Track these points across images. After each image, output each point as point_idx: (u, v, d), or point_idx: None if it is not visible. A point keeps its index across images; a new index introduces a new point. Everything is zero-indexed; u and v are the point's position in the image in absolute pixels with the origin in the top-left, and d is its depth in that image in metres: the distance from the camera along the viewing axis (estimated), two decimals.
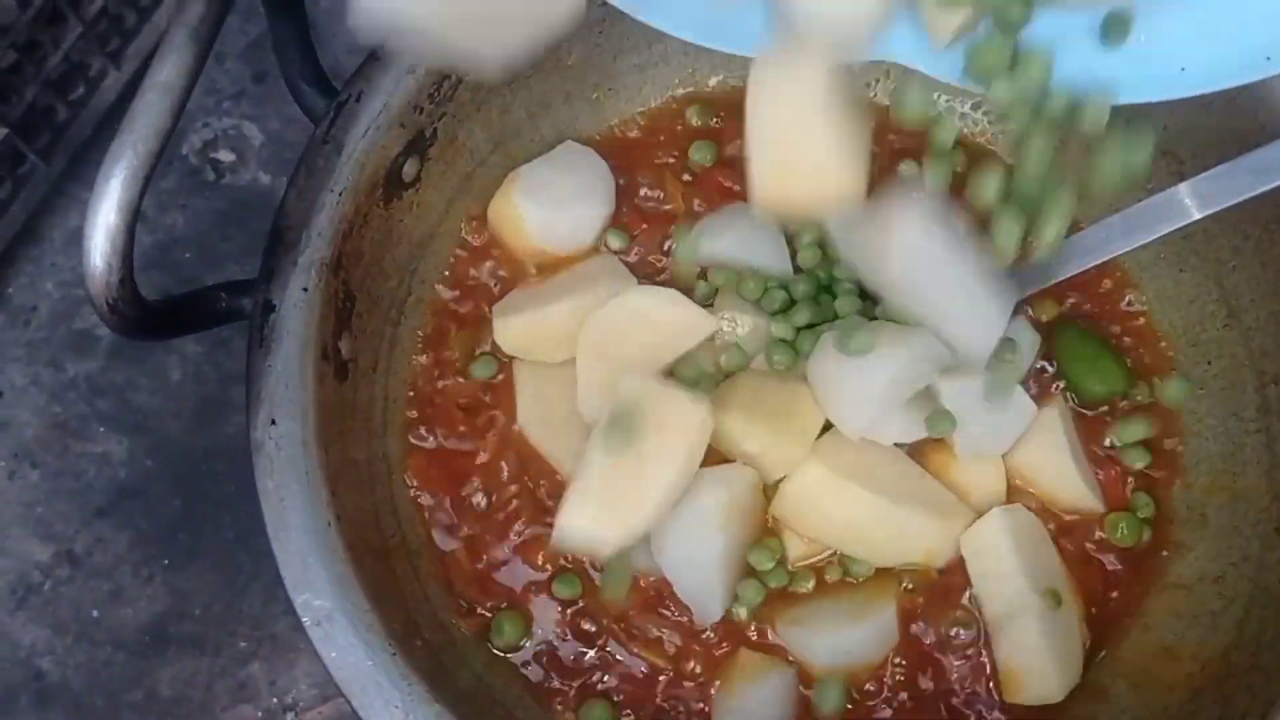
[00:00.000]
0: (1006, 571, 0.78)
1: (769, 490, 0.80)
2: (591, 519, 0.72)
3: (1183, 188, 0.75)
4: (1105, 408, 0.85)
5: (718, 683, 0.79)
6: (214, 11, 0.67)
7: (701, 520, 0.76)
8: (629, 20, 0.87)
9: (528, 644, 0.79)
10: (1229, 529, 0.80)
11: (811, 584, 0.80)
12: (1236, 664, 0.73)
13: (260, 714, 0.95)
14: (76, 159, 1.06)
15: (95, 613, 0.97)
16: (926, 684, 0.78)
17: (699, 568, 0.77)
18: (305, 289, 0.72)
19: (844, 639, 0.78)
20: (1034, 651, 0.76)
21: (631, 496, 0.72)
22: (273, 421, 0.70)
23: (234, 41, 1.11)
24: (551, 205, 0.86)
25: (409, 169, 0.81)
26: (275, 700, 0.96)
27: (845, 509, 0.78)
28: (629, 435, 0.71)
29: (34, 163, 1.01)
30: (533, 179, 0.87)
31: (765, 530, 0.81)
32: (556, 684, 0.79)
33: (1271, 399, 0.81)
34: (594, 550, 0.77)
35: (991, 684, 0.78)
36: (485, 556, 0.81)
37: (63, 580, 0.97)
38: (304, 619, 0.68)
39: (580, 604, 0.80)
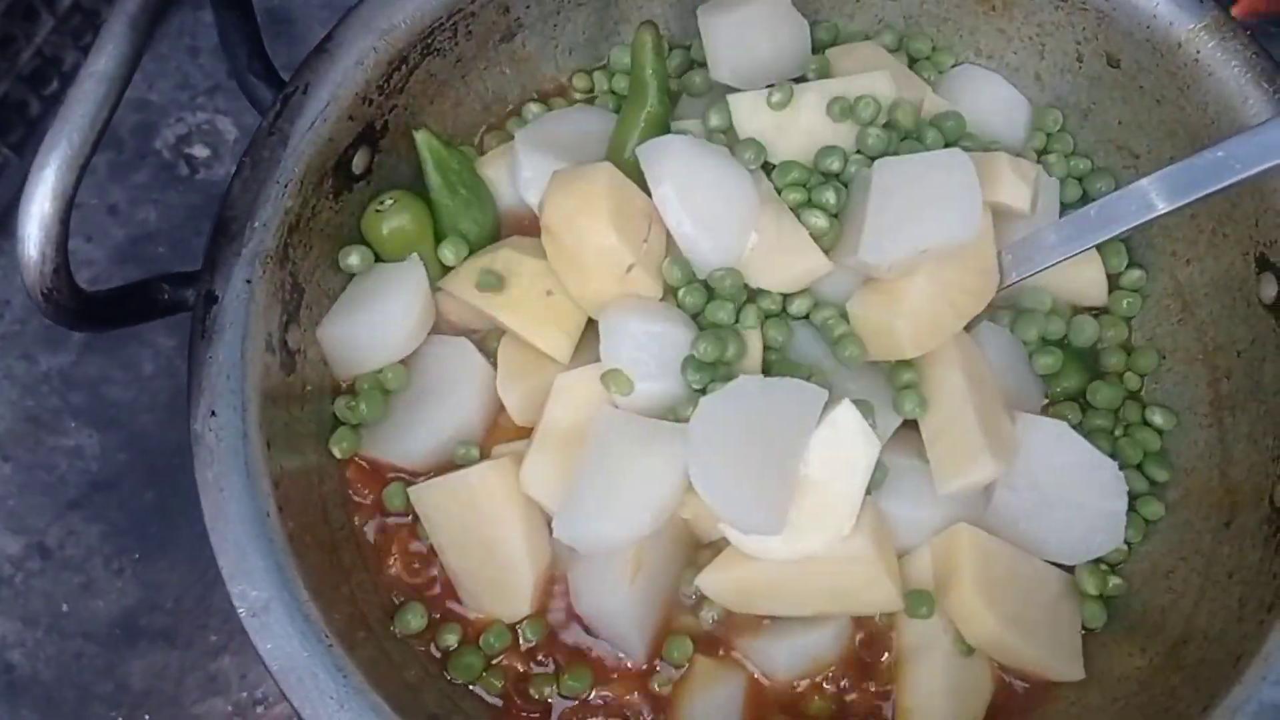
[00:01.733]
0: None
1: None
2: None
3: (1147, 183, 0.74)
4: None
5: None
6: (154, 1, 0.67)
7: (611, 574, 0.75)
8: (583, 15, 0.88)
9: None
10: (1180, 524, 0.79)
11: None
12: (1184, 658, 0.72)
13: (230, 707, 0.95)
14: None
15: (66, 605, 0.97)
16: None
17: (614, 619, 0.77)
18: (248, 280, 0.72)
19: (802, 643, 0.77)
20: (931, 695, 0.75)
21: None
22: (213, 413, 0.70)
23: (207, 36, 1.11)
24: (551, 167, 0.83)
25: (359, 161, 0.80)
26: (245, 694, 0.96)
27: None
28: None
29: (7, 157, 1.02)
30: (539, 134, 0.86)
31: (694, 559, 0.79)
32: (519, 706, 0.78)
33: (1224, 394, 0.80)
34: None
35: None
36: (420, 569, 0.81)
37: (34, 573, 0.98)
38: (239, 609, 0.67)
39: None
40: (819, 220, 0.80)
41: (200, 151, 1.09)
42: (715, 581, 0.76)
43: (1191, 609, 0.75)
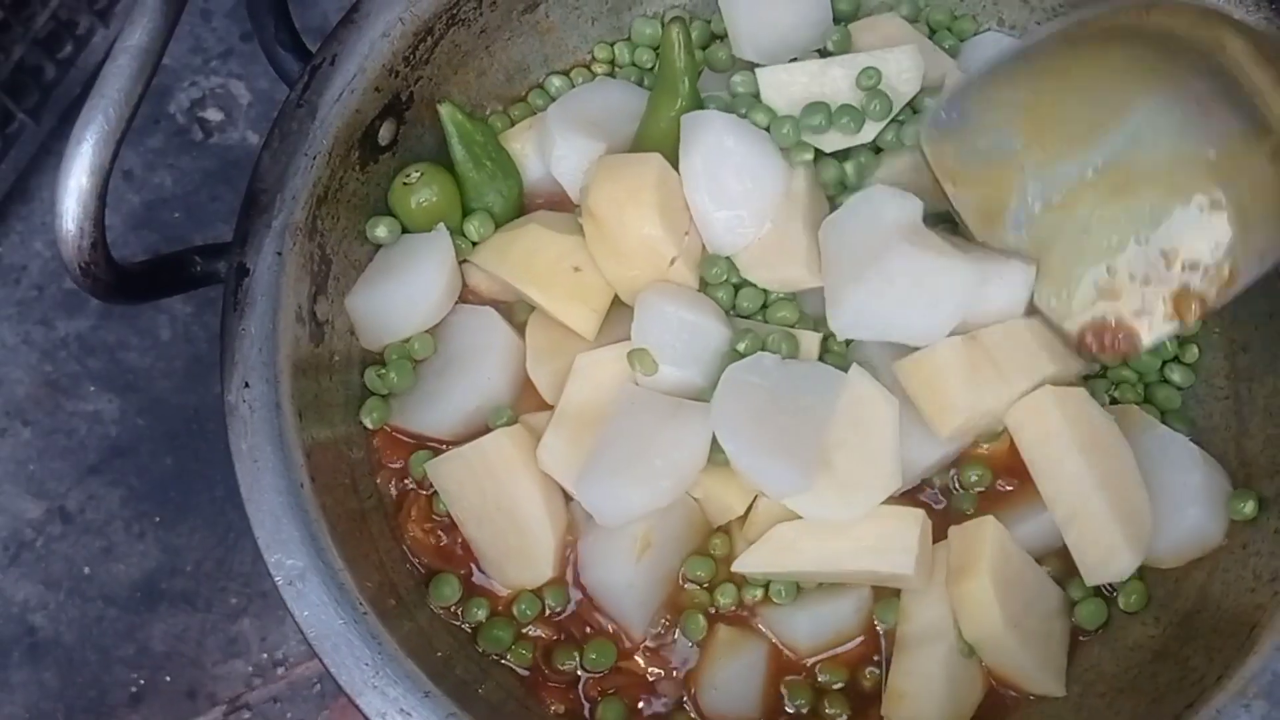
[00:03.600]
0: (934, 600, 0.76)
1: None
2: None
3: None
4: None
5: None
6: None
7: (618, 549, 0.76)
8: None
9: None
10: None
11: (760, 593, 0.78)
12: (1198, 627, 0.73)
13: (251, 669, 0.97)
14: (65, 118, 1.06)
15: (87, 569, 0.98)
16: None
17: (616, 593, 0.77)
18: (279, 252, 0.73)
19: (823, 613, 0.77)
20: (928, 682, 0.75)
21: None
22: (246, 384, 0.71)
23: (221, 0, 1.11)
24: (583, 144, 0.83)
25: (385, 133, 0.80)
26: (266, 656, 0.97)
27: None
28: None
29: (23, 121, 1.02)
30: (569, 110, 0.85)
31: (705, 544, 0.79)
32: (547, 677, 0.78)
33: (1241, 366, 0.81)
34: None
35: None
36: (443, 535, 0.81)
37: (55, 537, 0.99)
38: (276, 578, 0.68)
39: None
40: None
41: (214, 115, 1.09)
42: (753, 562, 0.76)
43: (1205, 579, 0.75)
